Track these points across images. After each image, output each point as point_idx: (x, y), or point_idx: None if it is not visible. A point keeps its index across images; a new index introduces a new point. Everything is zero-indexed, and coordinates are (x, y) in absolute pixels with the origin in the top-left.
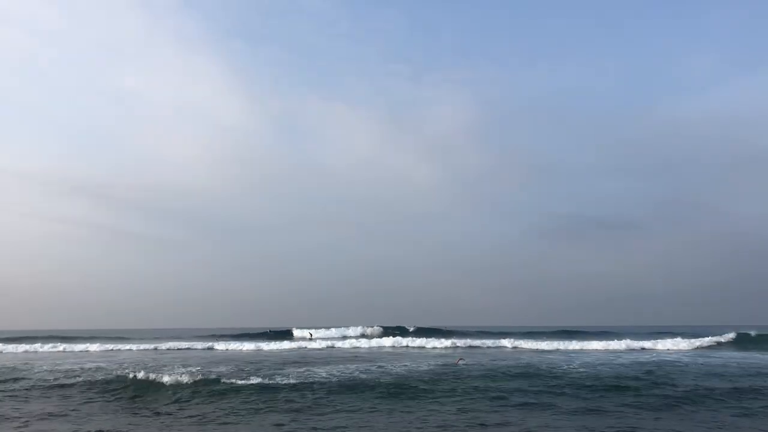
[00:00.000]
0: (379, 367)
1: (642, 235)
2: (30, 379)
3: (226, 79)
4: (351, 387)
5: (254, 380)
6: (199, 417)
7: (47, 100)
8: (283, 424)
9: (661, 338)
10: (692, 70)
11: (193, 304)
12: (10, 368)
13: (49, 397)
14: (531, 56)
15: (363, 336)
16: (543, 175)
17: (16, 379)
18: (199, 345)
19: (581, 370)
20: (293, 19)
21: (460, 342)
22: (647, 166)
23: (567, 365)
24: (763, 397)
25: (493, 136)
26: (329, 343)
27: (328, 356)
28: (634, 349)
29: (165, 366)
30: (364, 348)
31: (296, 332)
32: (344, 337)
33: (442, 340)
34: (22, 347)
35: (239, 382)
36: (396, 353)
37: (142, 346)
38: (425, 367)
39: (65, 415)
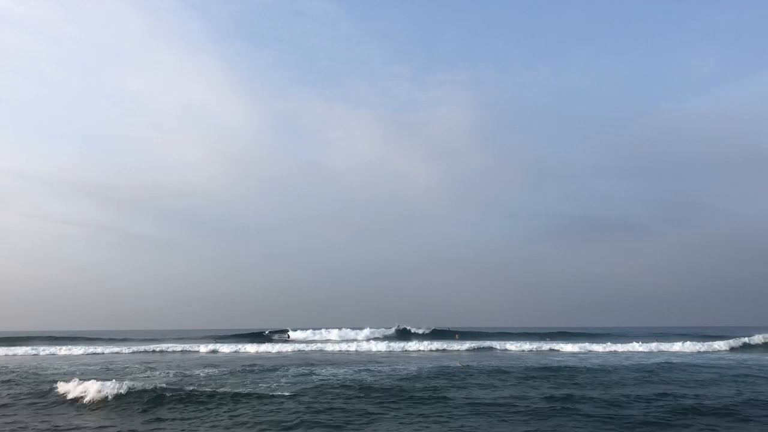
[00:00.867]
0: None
1: (645, 236)
2: None
3: (228, 80)
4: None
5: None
6: None
7: (52, 103)
8: None
9: (668, 339)
10: (695, 70)
11: (198, 305)
12: None
13: None
14: (533, 57)
15: (374, 338)
16: (546, 176)
17: None
18: (195, 347)
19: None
20: (295, 20)
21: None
22: (650, 167)
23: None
24: None
25: (496, 138)
26: (318, 346)
27: (307, 358)
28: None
29: (128, 369)
30: (365, 350)
31: (292, 334)
32: (345, 340)
33: (466, 343)
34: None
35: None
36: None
37: (133, 348)
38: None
39: None
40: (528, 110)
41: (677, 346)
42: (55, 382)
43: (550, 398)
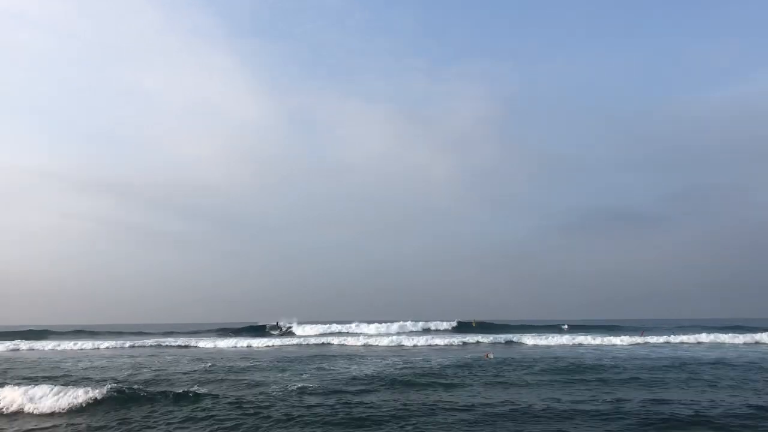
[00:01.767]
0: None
1: (663, 229)
2: None
3: (243, 76)
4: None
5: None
6: None
7: (70, 101)
8: None
9: (687, 332)
10: (714, 60)
11: (214, 300)
12: None
13: None
14: (549, 49)
15: (401, 333)
16: (562, 169)
17: None
18: (198, 341)
19: None
20: (308, 16)
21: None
22: (668, 158)
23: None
24: None
25: (511, 131)
26: (325, 339)
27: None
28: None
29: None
30: (364, 345)
31: (297, 329)
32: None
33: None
34: None
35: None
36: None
37: (138, 343)
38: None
39: None
40: (544, 102)
41: (724, 338)
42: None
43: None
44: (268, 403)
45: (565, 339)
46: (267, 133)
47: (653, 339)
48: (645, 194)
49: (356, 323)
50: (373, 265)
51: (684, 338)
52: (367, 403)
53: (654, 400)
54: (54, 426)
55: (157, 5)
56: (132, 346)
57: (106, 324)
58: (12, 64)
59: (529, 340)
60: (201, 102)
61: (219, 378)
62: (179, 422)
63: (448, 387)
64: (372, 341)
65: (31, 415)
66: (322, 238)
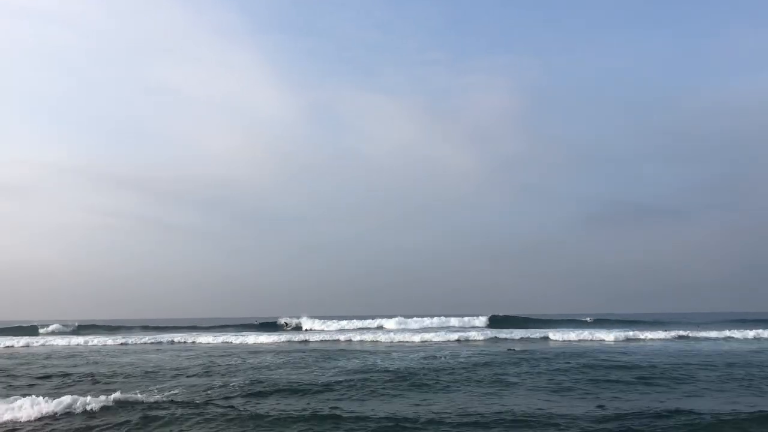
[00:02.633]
0: None
1: (689, 221)
2: None
3: (265, 71)
4: None
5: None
6: None
7: (91, 97)
8: None
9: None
10: (742, 48)
11: (237, 294)
12: None
13: None
14: (573, 40)
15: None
16: (586, 161)
17: None
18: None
19: None
20: (329, 9)
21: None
22: (691, 149)
23: None
24: None
25: (535, 123)
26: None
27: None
28: None
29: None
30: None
31: (305, 323)
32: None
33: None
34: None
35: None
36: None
37: (147, 339)
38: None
39: None
40: (568, 94)
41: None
42: None
43: None
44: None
45: (596, 333)
46: (288, 127)
47: (696, 333)
48: (670, 186)
49: (386, 318)
50: (394, 258)
51: (730, 333)
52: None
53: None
54: None
55: (181, 2)
56: (186, 342)
57: (124, 319)
58: (35, 60)
59: (557, 335)
60: (223, 97)
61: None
62: None
63: (479, 384)
64: (398, 337)
65: None
66: (344, 232)
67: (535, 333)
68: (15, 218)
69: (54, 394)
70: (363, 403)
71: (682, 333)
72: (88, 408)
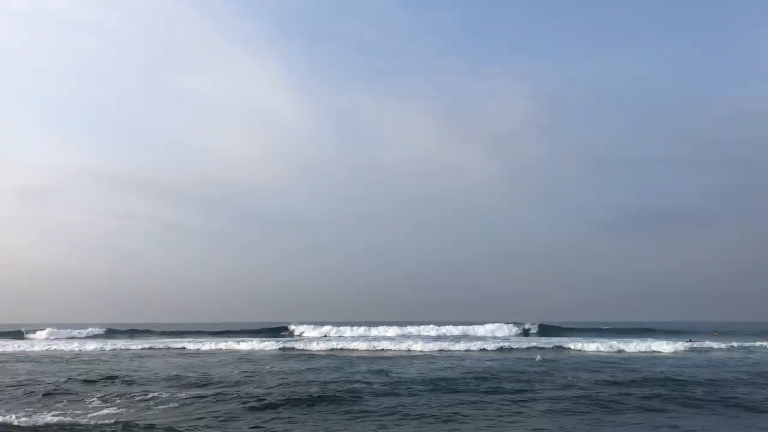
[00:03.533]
0: None
1: (709, 229)
2: None
3: (285, 78)
4: None
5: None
6: None
7: (111, 102)
8: None
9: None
10: (762, 55)
11: (254, 299)
12: None
13: None
14: (593, 46)
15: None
16: (606, 168)
17: None
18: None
19: None
20: (349, 16)
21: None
22: (713, 156)
23: None
24: None
25: (554, 129)
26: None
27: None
28: None
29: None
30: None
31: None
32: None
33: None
34: None
35: None
36: None
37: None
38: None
39: None
40: (587, 101)
41: None
42: None
43: None
44: None
45: (654, 344)
46: (308, 133)
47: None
48: (690, 194)
49: (406, 326)
50: (414, 266)
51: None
52: None
53: None
54: None
55: (203, 11)
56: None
57: (145, 323)
58: (63, 67)
59: (584, 344)
60: (242, 103)
61: None
62: None
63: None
64: (416, 345)
65: None
66: (364, 237)
67: (579, 342)
68: (42, 221)
69: None
70: None
71: (735, 343)
72: None
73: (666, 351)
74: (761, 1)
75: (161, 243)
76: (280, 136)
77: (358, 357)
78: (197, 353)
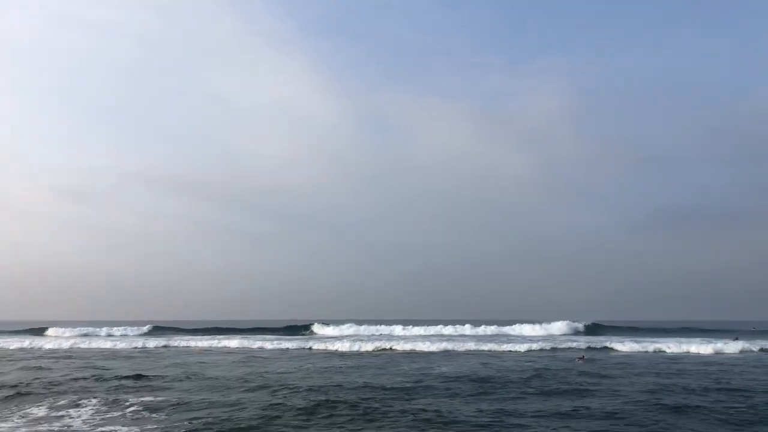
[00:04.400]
0: None
1: (749, 225)
2: None
3: (319, 77)
4: None
5: None
6: None
7: (151, 105)
8: None
9: None
10: None
11: (294, 296)
12: None
13: None
14: (629, 42)
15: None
16: (643, 164)
17: None
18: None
19: None
20: (384, 14)
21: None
22: (755, 153)
23: None
24: None
25: (590, 126)
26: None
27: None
28: None
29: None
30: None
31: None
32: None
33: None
34: None
35: None
36: None
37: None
38: None
39: None
40: (624, 96)
41: None
42: None
43: None
44: None
45: (714, 345)
46: (343, 132)
47: None
48: (729, 189)
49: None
50: (451, 264)
51: None
52: None
53: None
54: None
55: (236, 12)
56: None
57: (185, 321)
58: (102, 70)
59: (625, 346)
60: (277, 103)
61: None
62: None
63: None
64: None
65: None
66: (400, 235)
67: (636, 343)
68: (88, 223)
69: None
70: None
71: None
72: None
73: (729, 352)
74: None
75: (194, 243)
76: (313, 134)
77: (429, 353)
78: (269, 356)
